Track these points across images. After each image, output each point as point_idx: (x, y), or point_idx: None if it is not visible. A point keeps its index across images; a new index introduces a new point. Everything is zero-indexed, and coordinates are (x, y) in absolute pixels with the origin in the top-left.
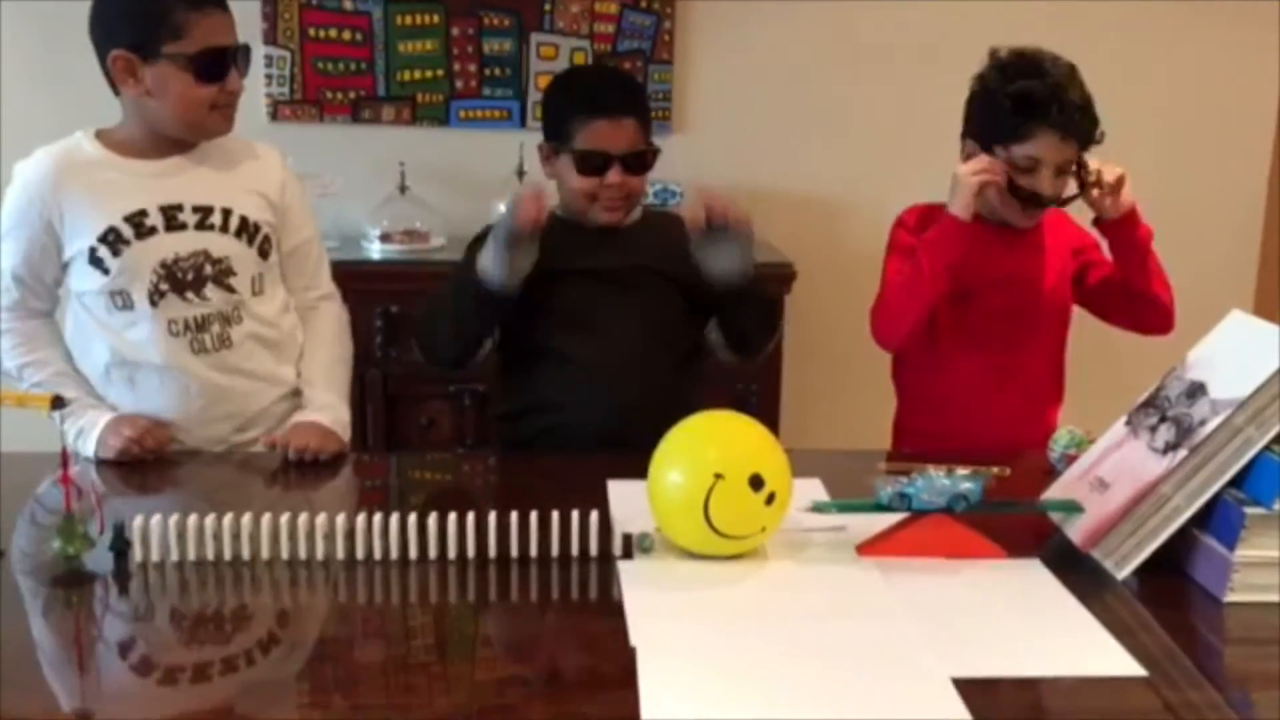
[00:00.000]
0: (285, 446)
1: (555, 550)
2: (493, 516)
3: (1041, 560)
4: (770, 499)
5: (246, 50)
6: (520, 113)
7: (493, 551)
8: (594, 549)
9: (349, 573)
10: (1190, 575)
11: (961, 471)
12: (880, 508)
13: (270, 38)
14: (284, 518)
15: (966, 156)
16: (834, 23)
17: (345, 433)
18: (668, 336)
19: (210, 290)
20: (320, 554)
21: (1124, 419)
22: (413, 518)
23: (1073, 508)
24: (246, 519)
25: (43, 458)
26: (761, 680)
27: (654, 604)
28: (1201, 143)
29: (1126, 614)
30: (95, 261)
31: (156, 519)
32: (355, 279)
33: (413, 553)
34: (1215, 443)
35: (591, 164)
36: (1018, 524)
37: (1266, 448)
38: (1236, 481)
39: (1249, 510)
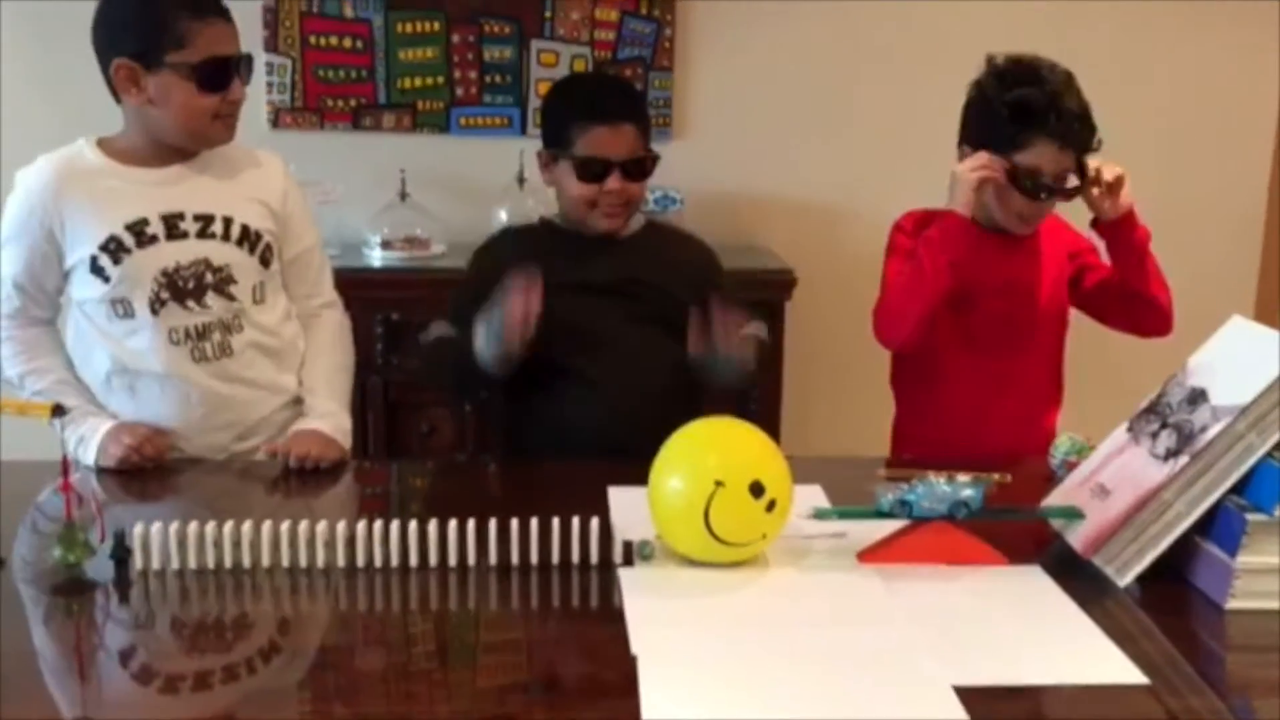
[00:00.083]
0: (286, 454)
1: (556, 557)
2: (493, 524)
3: (1043, 567)
4: (771, 506)
5: (249, 59)
6: (521, 120)
7: (493, 559)
8: (595, 556)
9: (350, 580)
10: (1192, 582)
11: (962, 478)
12: (881, 515)
13: (271, 45)
14: (285, 525)
15: None
16: (834, 29)
17: (346, 440)
18: (665, 346)
19: (211, 298)
20: (321, 561)
21: (1125, 425)
22: (413, 525)
23: (1074, 514)
24: (247, 527)
25: (43, 466)
26: (763, 687)
27: (655, 611)
28: (1202, 145)
29: (1128, 621)
30: (96, 270)
31: (157, 527)
32: (356, 286)
33: (413, 560)
34: (1216, 449)
35: (591, 170)
36: (1019, 531)
37: (1268, 454)
38: (1238, 488)
39: (1250, 517)
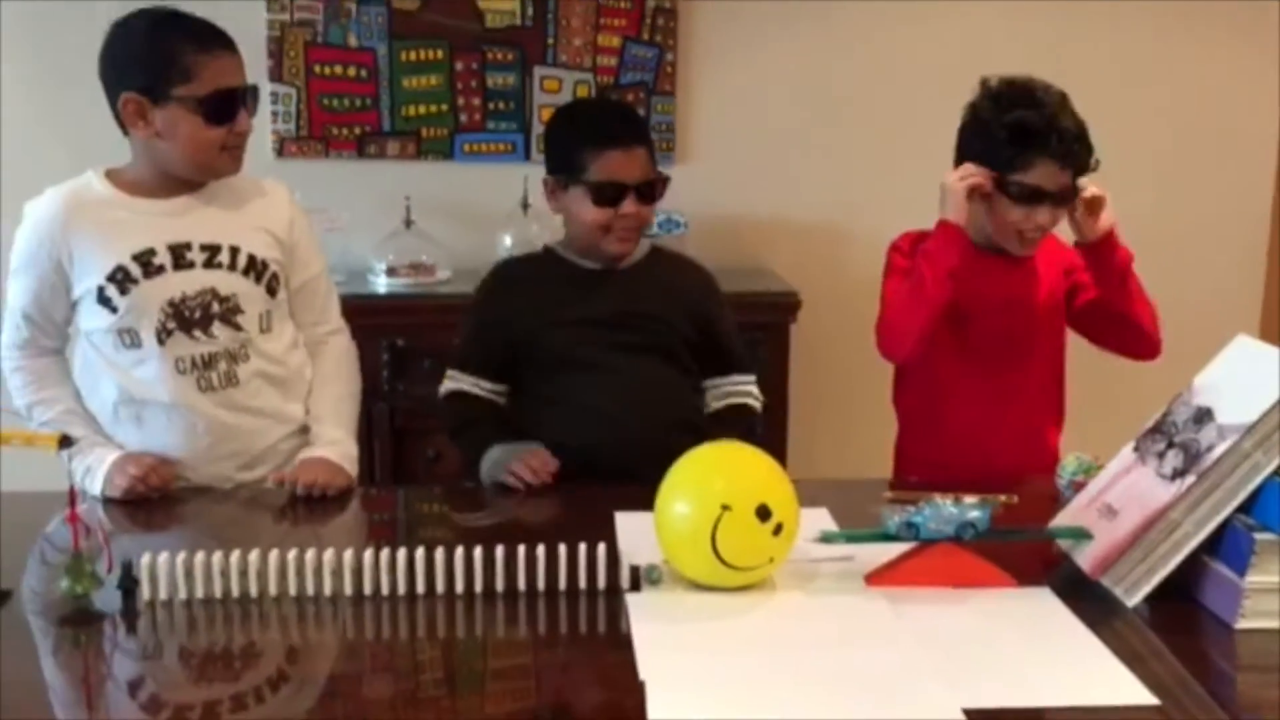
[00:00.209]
0: (294, 482)
1: (563, 583)
2: (500, 550)
3: (1051, 588)
4: (778, 529)
5: (255, 91)
6: (524, 146)
7: (500, 585)
8: (602, 582)
9: (357, 608)
10: (1201, 602)
11: (969, 499)
12: (888, 537)
13: (276, 75)
14: (292, 554)
15: None
16: (835, 52)
17: (353, 467)
18: (665, 375)
19: (217, 328)
20: (329, 590)
21: (1131, 445)
22: (420, 552)
23: (1081, 535)
24: (254, 555)
25: (51, 496)
26: (771, 711)
27: (663, 636)
28: (1206, 162)
29: (1137, 642)
30: (104, 300)
31: (164, 557)
32: (362, 313)
33: (420, 587)
34: (1223, 468)
35: (606, 195)
36: (1026, 552)
37: (1275, 473)
38: (1245, 507)
39: (1258, 536)
